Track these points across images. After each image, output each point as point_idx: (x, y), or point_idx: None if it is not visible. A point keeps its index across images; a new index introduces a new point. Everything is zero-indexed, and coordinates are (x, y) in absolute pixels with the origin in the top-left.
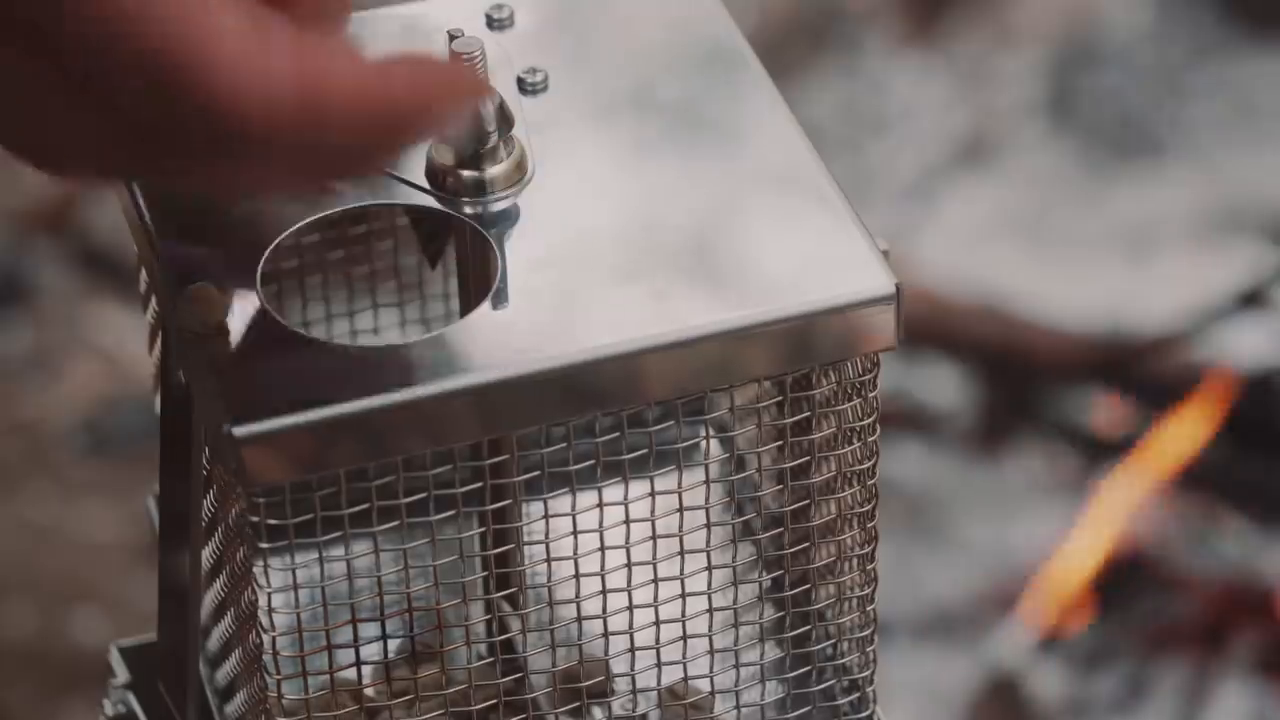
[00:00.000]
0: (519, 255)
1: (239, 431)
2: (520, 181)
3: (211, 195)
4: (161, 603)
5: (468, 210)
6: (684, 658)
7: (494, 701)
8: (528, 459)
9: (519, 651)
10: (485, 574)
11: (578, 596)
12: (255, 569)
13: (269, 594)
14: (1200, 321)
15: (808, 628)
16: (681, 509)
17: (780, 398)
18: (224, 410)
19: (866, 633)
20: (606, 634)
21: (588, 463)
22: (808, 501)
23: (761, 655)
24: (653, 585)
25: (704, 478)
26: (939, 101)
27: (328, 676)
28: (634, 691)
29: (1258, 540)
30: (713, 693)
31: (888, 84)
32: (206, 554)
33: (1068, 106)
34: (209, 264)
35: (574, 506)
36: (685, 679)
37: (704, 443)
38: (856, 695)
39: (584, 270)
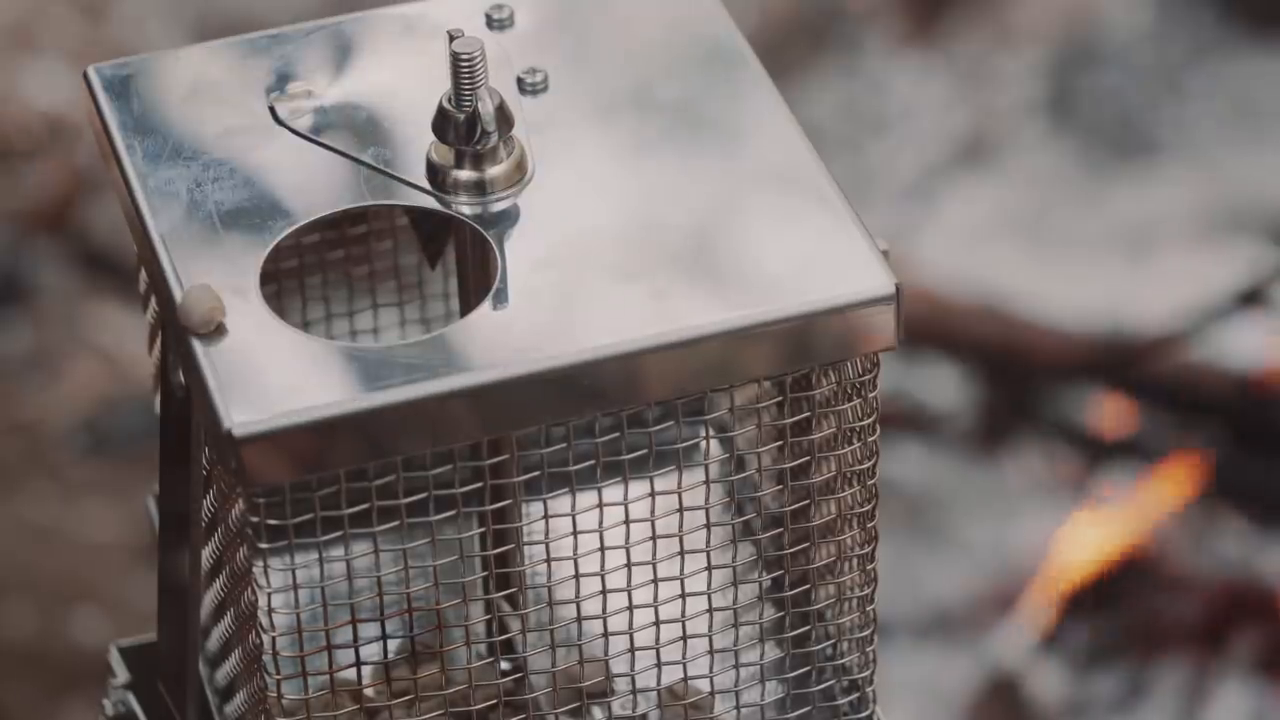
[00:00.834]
0: (519, 255)
1: (239, 431)
2: (520, 181)
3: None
4: (161, 603)
5: (467, 210)
6: (684, 658)
7: (494, 701)
8: (528, 459)
9: (519, 651)
10: (485, 574)
11: (577, 596)
12: (255, 569)
13: (269, 594)
14: (1200, 321)
15: (808, 628)
16: (681, 509)
17: (780, 398)
18: (224, 410)
19: (866, 633)
20: (606, 634)
21: (588, 463)
22: (808, 502)
23: (761, 655)
24: (652, 585)
25: (704, 478)
26: (939, 101)
27: (327, 677)
28: (634, 692)
29: (1258, 540)
30: (712, 693)
31: (888, 84)
32: (206, 554)
33: (1067, 106)
34: (209, 264)
35: (574, 507)
36: (685, 679)
37: (704, 443)
38: (856, 695)
39: (584, 270)
